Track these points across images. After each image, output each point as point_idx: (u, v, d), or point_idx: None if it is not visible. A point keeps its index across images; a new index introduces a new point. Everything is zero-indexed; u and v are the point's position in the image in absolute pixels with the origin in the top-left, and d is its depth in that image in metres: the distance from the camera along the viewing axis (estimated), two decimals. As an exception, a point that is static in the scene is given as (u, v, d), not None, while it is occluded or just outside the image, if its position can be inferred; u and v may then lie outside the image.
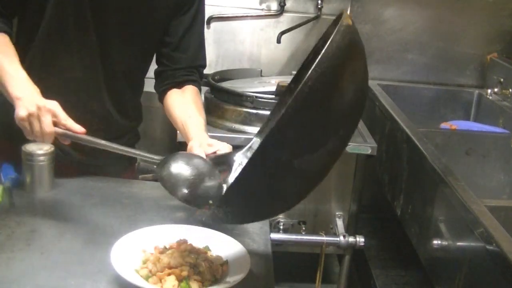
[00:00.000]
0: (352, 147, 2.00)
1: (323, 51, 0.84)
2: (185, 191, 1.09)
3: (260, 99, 2.04)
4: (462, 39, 2.69)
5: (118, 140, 1.56)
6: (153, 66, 1.56)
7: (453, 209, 1.52)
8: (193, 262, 1.08)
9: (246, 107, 2.06)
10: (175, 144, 1.98)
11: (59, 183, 1.41)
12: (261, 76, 2.52)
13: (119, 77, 1.47)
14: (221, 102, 2.12)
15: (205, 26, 2.53)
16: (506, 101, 2.49)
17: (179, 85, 1.50)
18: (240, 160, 1.17)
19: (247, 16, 2.60)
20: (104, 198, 1.38)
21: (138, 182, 1.55)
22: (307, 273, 2.28)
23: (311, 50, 1.13)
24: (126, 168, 1.61)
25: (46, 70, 1.39)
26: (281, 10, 2.59)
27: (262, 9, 2.61)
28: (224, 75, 2.41)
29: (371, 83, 2.53)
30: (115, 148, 1.20)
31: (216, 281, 1.07)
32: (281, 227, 2.13)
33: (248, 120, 2.05)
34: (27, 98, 1.19)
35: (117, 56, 1.43)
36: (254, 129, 2.03)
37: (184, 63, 1.51)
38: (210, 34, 2.57)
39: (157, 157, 1.15)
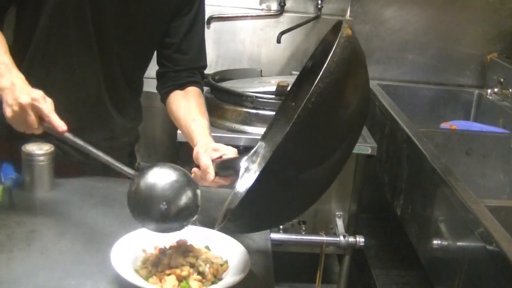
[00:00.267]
0: (352, 147, 1.99)
1: (324, 65, 0.84)
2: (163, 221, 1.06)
3: (260, 99, 2.04)
4: (462, 39, 2.69)
5: (118, 139, 1.56)
6: (153, 66, 1.56)
7: (453, 209, 1.53)
8: (193, 262, 1.08)
9: (246, 107, 2.06)
10: (175, 144, 1.98)
11: (59, 183, 1.41)
12: (261, 76, 2.53)
13: (118, 77, 1.47)
14: (221, 102, 2.12)
15: (205, 26, 2.54)
16: (506, 101, 2.49)
17: (182, 86, 1.49)
18: (246, 165, 1.16)
19: (247, 16, 2.60)
20: (104, 198, 1.38)
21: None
22: (307, 273, 2.28)
23: (310, 56, 1.14)
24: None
25: (45, 70, 1.39)
26: (281, 10, 2.59)
27: (262, 9, 2.61)
28: (224, 75, 2.41)
29: (371, 83, 2.52)
30: (92, 152, 1.15)
31: (216, 281, 1.07)
32: (281, 227, 2.13)
33: (248, 120, 2.05)
34: (10, 92, 1.16)
35: (116, 56, 1.43)
36: (254, 129, 2.03)
37: (185, 64, 1.50)
38: (210, 34, 2.57)
39: (132, 172, 1.11)
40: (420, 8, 2.65)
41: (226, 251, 1.14)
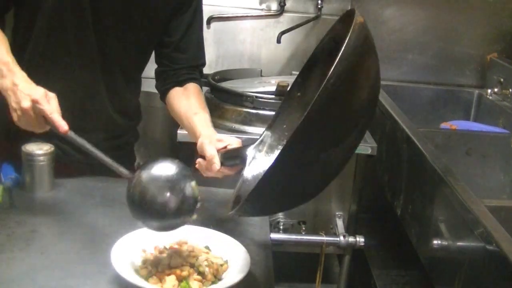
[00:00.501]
0: (352, 147, 1.99)
1: (342, 49, 0.89)
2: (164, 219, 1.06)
3: (260, 99, 2.04)
4: (462, 39, 2.69)
5: (117, 139, 1.57)
6: (153, 66, 1.56)
7: (453, 209, 1.52)
8: (193, 262, 1.08)
9: (246, 107, 2.06)
10: (175, 144, 1.98)
11: (59, 183, 1.41)
12: (261, 76, 2.52)
13: (117, 76, 1.47)
14: (221, 102, 2.12)
15: (205, 26, 2.55)
16: (506, 101, 2.49)
17: (181, 83, 1.50)
18: (253, 154, 1.18)
19: (247, 16, 2.60)
20: (104, 198, 1.38)
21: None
22: (307, 273, 2.28)
23: (317, 44, 1.16)
24: (126, 168, 1.60)
25: (44, 70, 1.39)
26: (281, 10, 2.59)
27: (262, 9, 2.61)
28: (224, 75, 2.41)
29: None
30: (91, 151, 1.14)
31: (216, 281, 1.07)
32: (281, 227, 2.13)
33: (248, 120, 2.05)
34: (12, 93, 1.18)
35: (115, 56, 1.43)
36: (254, 129, 2.03)
37: (184, 63, 1.51)
38: (210, 34, 2.57)
39: (127, 173, 1.11)
40: (420, 8, 2.64)
41: (226, 251, 1.14)
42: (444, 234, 1.59)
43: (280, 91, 2.07)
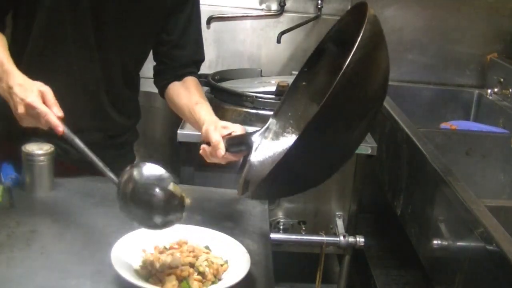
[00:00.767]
0: (352, 147, 2.00)
1: (359, 37, 0.95)
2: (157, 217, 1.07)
3: (260, 99, 2.04)
4: (462, 39, 2.69)
5: (116, 138, 1.57)
6: (151, 65, 1.56)
7: (453, 209, 1.52)
8: (193, 262, 1.08)
9: (246, 107, 2.06)
10: (175, 144, 1.98)
11: (59, 183, 1.41)
12: (261, 76, 2.53)
13: (116, 75, 1.47)
14: (221, 102, 2.12)
15: (205, 26, 2.55)
16: (506, 101, 2.49)
17: (179, 78, 1.52)
18: (259, 141, 1.22)
19: (247, 16, 2.60)
20: (104, 198, 1.38)
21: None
22: (307, 273, 2.28)
23: (326, 34, 1.19)
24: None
25: (43, 70, 1.38)
26: (281, 10, 2.59)
27: (262, 9, 2.61)
28: (224, 75, 2.41)
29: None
30: (82, 151, 1.16)
31: (216, 281, 1.07)
32: (281, 227, 2.13)
33: (248, 120, 2.05)
34: (9, 97, 1.19)
35: (115, 55, 1.43)
36: (254, 129, 2.02)
37: (183, 60, 1.52)
38: (210, 34, 2.57)
39: (115, 178, 1.12)
40: (420, 8, 2.65)
41: (226, 251, 1.14)
42: (444, 234, 1.59)
43: (280, 91, 2.07)
